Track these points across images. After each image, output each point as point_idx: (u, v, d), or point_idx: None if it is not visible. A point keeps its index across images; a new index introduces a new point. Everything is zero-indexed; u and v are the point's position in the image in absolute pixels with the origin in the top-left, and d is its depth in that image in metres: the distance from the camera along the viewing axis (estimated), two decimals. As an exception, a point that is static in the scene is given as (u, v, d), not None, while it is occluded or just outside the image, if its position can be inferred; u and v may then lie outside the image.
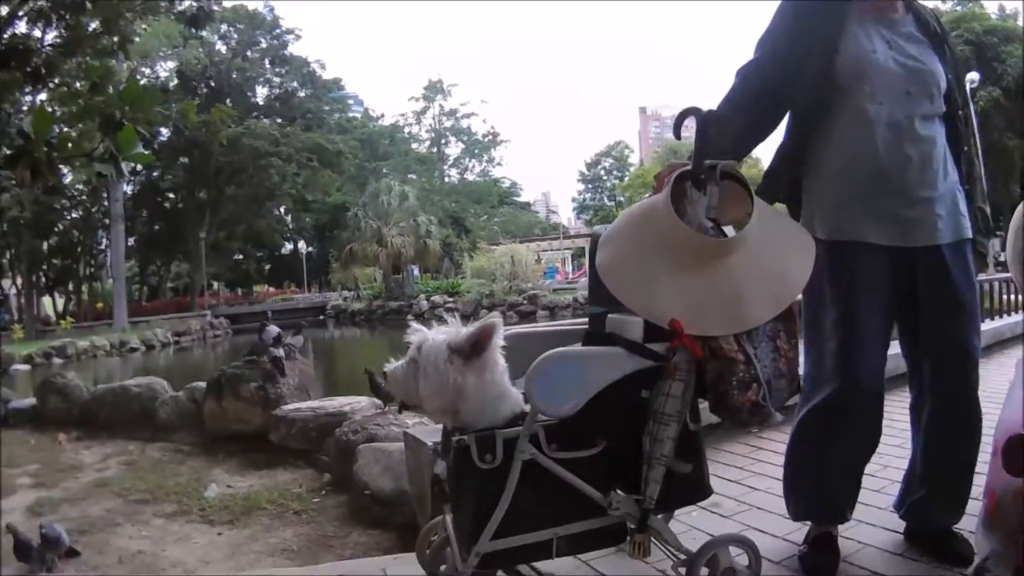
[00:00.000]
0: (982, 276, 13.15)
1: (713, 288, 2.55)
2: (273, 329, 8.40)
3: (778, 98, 3.14)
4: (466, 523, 2.58)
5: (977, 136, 3.22)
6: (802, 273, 2.73)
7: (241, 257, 74.59)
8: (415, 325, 2.75)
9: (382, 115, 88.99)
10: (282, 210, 72.92)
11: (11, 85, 10.62)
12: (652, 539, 2.61)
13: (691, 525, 3.62)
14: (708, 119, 2.67)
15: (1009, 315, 11.53)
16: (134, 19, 12.66)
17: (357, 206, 56.88)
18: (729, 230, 2.72)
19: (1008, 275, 10.19)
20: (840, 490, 3.19)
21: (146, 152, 9.26)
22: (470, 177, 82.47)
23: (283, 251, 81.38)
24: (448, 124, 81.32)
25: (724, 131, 2.99)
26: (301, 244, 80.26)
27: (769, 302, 2.62)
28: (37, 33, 11.89)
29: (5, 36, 11.42)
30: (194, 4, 14.92)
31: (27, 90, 13.79)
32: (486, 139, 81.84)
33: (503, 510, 2.45)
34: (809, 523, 3.31)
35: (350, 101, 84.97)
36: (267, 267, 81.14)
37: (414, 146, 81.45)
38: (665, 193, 2.62)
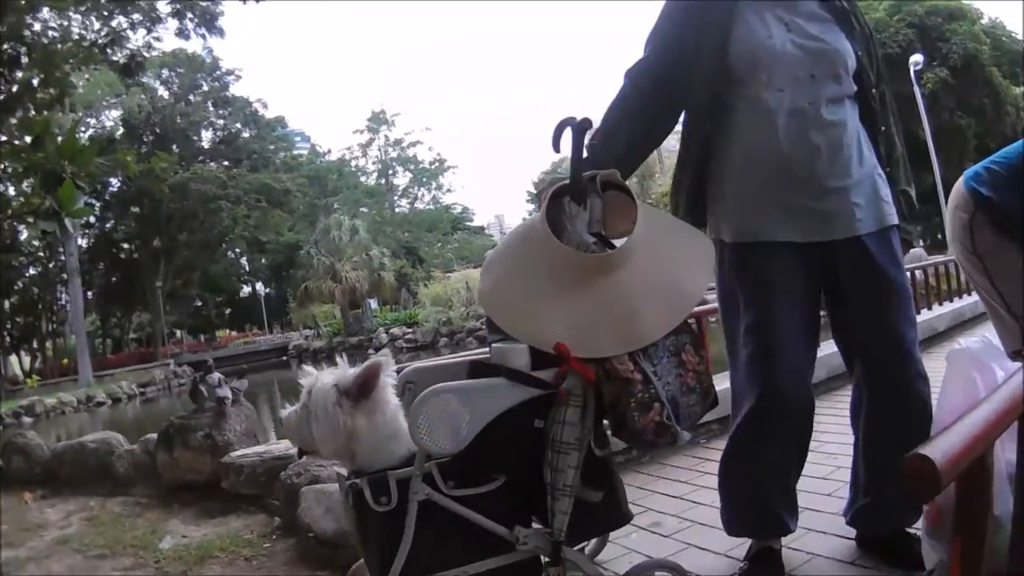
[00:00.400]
0: (926, 260, 13.29)
1: (600, 306, 2.41)
2: (215, 376, 8.38)
3: (670, 99, 2.98)
4: (373, 567, 2.51)
5: (896, 114, 3.00)
6: (698, 282, 2.61)
7: (200, 303, 74.54)
8: (306, 368, 2.69)
9: (329, 150, 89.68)
10: (237, 253, 72.91)
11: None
12: (569, 571, 2.50)
13: (629, 548, 3.56)
14: (582, 128, 2.54)
15: (952, 301, 11.54)
16: (71, 71, 12.56)
17: (309, 244, 56.74)
18: (621, 243, 2.57)
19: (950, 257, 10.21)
20: (776, 502, 3.02)
21: (87, 206, 9.24)
22: (420, 206, 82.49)
23: (242, 294, 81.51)
24: (394, 154, 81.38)
25: (613, 139, 2.89)
26: (259, 286, 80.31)
27: (663, 316, 2.48)
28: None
29: None
30: (126, 53, 14.87)
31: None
32: (433, 166, 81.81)
33: (405, 552, 2.35)
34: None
35: (297, 138, 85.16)
36: (227, 311, 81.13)
37: (362, 179, 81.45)
38: (541, 211, 2.52)
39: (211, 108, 64.67)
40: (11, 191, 16.28)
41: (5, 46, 11.25)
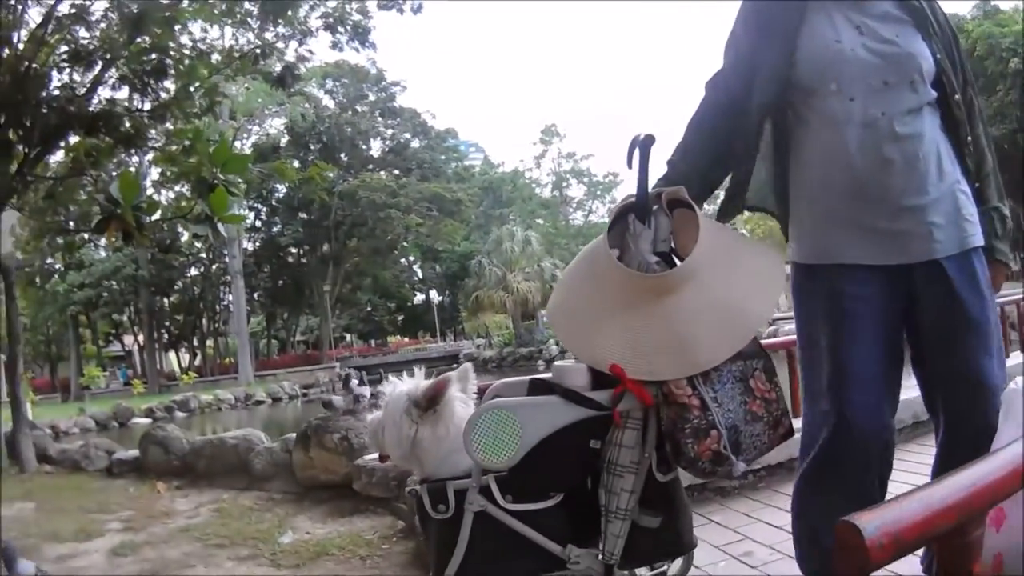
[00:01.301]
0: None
1: (660, 328, 2.36)
2: (354, 373, 8.66)
3: (747, 112, 2.83)
4: (432, 570, 2.53)
5: (986, 124, 2.72)
6: (764, 305, 2.51)
7: (371, 309, 75.81)
8: (391, 378, 2.74)
9: (503, 162, 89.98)
10: (410, 260, 74.02)
11: (103, 151, 10.94)
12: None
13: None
14: (647, 144, 2.50)
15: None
16: (223, 81, 12.96)
17: (481, 254, 57.22)
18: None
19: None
20: None
21: (238, 214, 9.45)
22: (594, 219, 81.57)
23: (414, 301, 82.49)
24: (568, 166, 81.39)
25: (690, 155, 2.83)
26: (433, 293, 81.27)
27: (723, 340, 2.39)
28: (123, 98, 12.25)
29: (92, 103, 11.77)
30: (280, 63, 15.22)
31: (129, 154, 14.27)
32: (607, 179, 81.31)
33: (459, 559, 2.38)
34: None
35: (471, 148, 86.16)
36: (399, 317, 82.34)
37: (537, 190, 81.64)
38: (606, 229, 2.50)
39: (379, 118, 65.52)
40: (167, 195, 16.90)
41: (152, 56, 11.64)
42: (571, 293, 2.65)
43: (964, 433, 2.68)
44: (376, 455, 7.01)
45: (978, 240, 2.72)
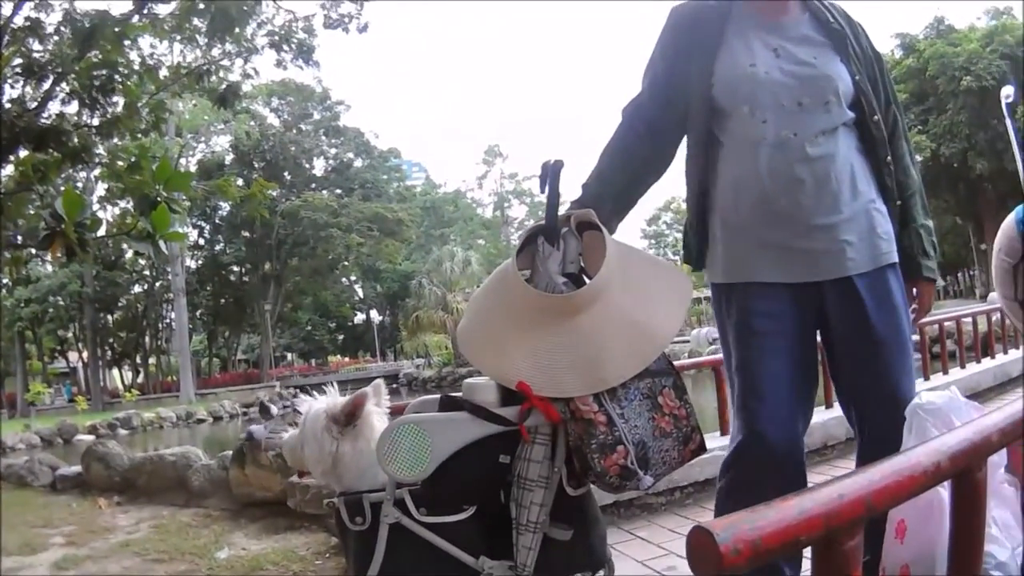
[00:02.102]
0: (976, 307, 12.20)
1: (566, 346, 2.42)
2: (274, 408, 8.77)
3: (663, 136, 2.91)
4: None
5: (910, 143, 2.76)
6: (671, 323, 2.56)
7: (311, 328, 75.48)
8: (302, 396, 2.78)
9: (444, 182, 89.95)
10: (351, 280, 73.71)
11: (51, 166, 10.88)
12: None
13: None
14: (556, 170, 2.56)
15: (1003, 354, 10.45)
16: (169, 98, 12.93)
17: (422, 274, 57.11)
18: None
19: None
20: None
21: (179, 232, 9.41)
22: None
23: (355, 321, 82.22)
24: (510, 187, 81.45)
25: (605, 178, 2.88)
26: (373, 313, 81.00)
27: (631, 357, 2.44)
28: (72, 112, 12.18)
29: (42, 117, 11.71)
30: (224, 82, 15.17)
31: (77, 169, 14.15)
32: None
33: (375, 572, 2.43)
34: None
35: (414, 168, 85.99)
36: (340, 337, 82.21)
37: (478, 211, 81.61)
38: (514, 251, 2.57)
39: (323, 137, 65.59)
40: (113, 212, 16.74)
41: (102, 72, 11.60)
42: (480, 314, 2.71)
43: (880, 449, 2.55)
44: (307, 476, 7.09)
45: (892, 257, 2.78)
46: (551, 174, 2.58)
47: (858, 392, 2.82)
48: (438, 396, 2.77)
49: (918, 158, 2.93)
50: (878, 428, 2.74)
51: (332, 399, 2.68)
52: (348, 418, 2.59)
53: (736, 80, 2.75)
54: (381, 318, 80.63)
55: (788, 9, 2.85)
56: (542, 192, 2.63)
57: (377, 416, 2.67)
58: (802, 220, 2.69)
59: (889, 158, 2.82)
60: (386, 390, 2.77)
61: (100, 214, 11.04)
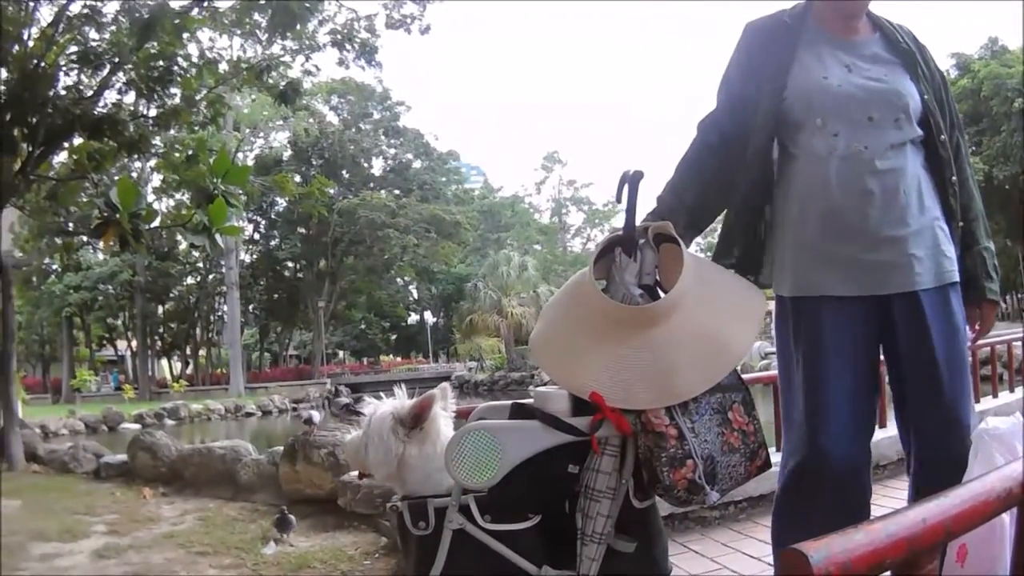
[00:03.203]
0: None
1: (640, 359, 2.41)
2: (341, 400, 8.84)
3: (738, 152, 2.90)
4: None
5: (971, 167, 2.78)
6: (744, 338, 2.55)
7: (365, 327, 75.62)
8: (367, 398, 2.77)
9: (503, 186, 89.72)
10: (405, 280, 73.83)
11: (106, 155, 10.98)
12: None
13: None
14: (635, 180, 2.55)
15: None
16: (228, 92, 13.01)
17: (477, 277, 57.08)
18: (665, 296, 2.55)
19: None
20: None
21: (235, 226, 9.46)
22: (592, 247, 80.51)
23: (408, 321, 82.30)
24: (568, 194, 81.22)
25: (679, 192, 2.88)
26: (427, 314, 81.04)
27: (703, 371, 2.43)
28: (129, 103, 12.27)
29: (98, 106, 11.81)
30: (285, 79, 15.22)
31: (132, 159, 14.26)
32: (607, 208, 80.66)
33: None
34: None
35: (472, 171, 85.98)
36: (393, 337, 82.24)
37: (535, 216, 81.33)
38: (591, 261, 2.56)
39: (382, 137, 65.51)
40: (168, 203, 16.87)
41: (160, 63, 11.68)
42: (554, 322, 2.70)
43: (934, 467, 2.70)
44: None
45: (955, 276, 2.77)
46: (630, 184, 2.56)
47: (916, 410, 2.79)
48: (506, 403, 2.77)
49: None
50: (933, 448, 2.74)
51: (398, 401, 2.67)
52: (415, 421, 2.59)
53: (810, 92, 2.78)
54: (435, 320, 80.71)
55: (859, 29, 2.90)
56: (618, 202, 2.61)
57: (444, 420, 2.67)
58: (871, 232, 2.69)
59: (955, 178, 2.83)
60: (452, 393, 2.75)
61: (155, 205, 11.10)
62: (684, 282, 2.45)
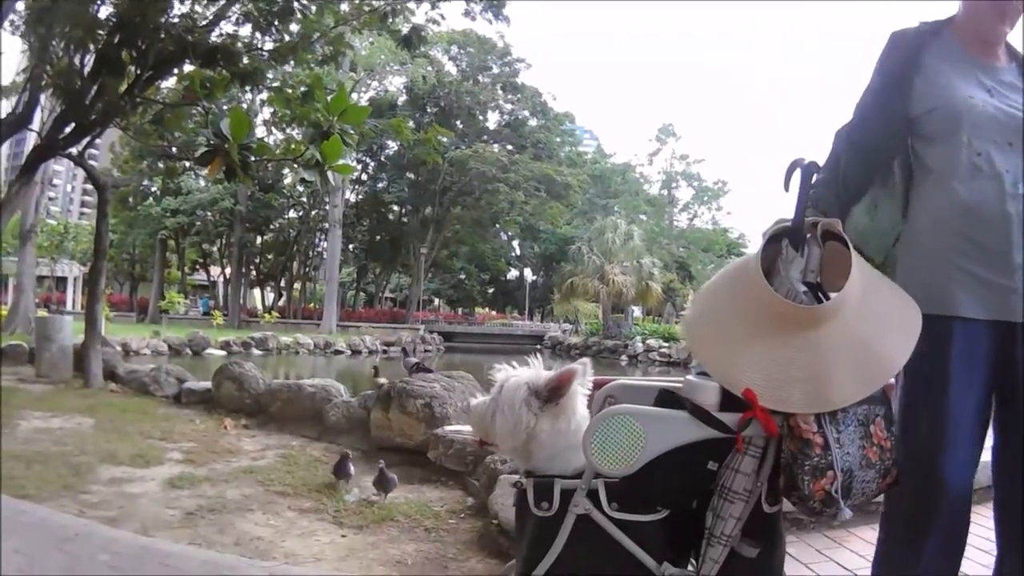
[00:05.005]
0: None
1: (798, 360, 2.31)
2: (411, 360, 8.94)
3: (873, 158, 2.88)
4: (520, 567, 2.52)
5: None
6: (900, 353, 2.43)
7: (464, 277, 76.08)
8: (499, 365, 2.69)
9: (615, 153, 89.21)
10: (509, 236, 74.07)
11: (218, 84, 11.01)
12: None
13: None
14: (810, 171, 2.49)
15: None
16: (343, 33, 12.99)
17: (582, 240, 56.93)
18: (832, 298, 2.45)
19: None
20: None
21: (348, 164, 9.47)
22: (699, 223, 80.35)
23: (508, 276, 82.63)
24: (679, 168, 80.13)
25: (829, 196, 2.85)
26: (527, 272, 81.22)
27: (858, 382, 2.34)
28: (245, 35, 12.31)
29: (212, 35, 11.87)
30: (409, 24, 15.17)
31: (244, 91, 14.32)
32: (716, 186, 79.85)
33: (551, 559, 2.37)
34: None
35: (586, 135, 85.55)
36: (490, 290, 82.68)
37: (645, 187, 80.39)
38: (757, 251, 2.46)
39: (499, 92, 65.56)
40: (276, 137, 16.93)
41: (280, -1, 11.69)
42: (713, 309, 2.61)
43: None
44: (455, 431, 7.03)
45: None
46: (803, 174, 2.50)
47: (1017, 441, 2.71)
48: (645, 382, 2.73)
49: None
50: None
51: (535, 371, 2.59)
52: (552, 394, 2.50)
53: (957, 109, 2.74)
54: (534, 278, 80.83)
55: (999, 55, 2.89)
56: (786, 190, 2.54)
57: (581, 397, 2.58)
58: (1006, 256, 2.64)
59: None
60: (592, 370, 2.64)
61: (264, 140, 11.14)
62: (851, 285, 2.36)
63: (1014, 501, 2.75)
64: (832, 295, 2.47)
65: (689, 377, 2.55)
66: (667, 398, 2.54)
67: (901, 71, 2.84)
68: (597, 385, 2.74)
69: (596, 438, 2.30)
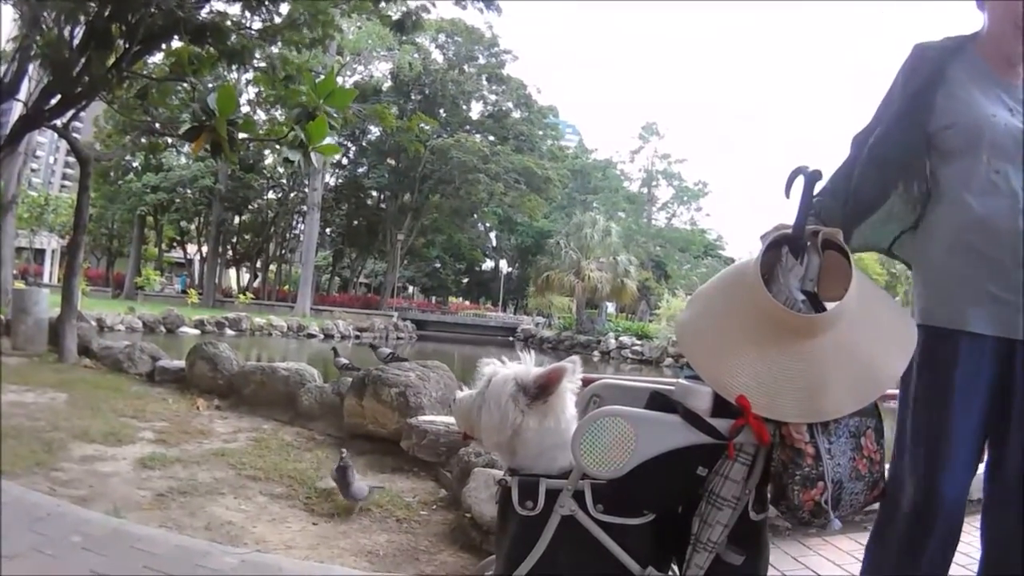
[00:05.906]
0: None
1: (793, 369, 2.30)
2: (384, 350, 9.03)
3: (888, 170, 2.84)
4: (500, 566, 2.51)
5: None
6: (895, 367, 2.44)
7: (440, 266, 76.16)
8: (486, 359, 2.66)
9: (596, 149, 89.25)
10: (486, 227, 74.08)
11: (205, 61, 10.96)
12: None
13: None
14: (813, 179, 2.47)
15: None
16: (333, 17, 12.95)
17: (560, 235, 56.96)
18: (831, 308, 2.44)
19: None
20: None
21: (334, 144, 9.44)
22: (677, 223, 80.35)
23: (483, 267, 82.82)
24: (660, 167, 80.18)
25: (836, 201, 2.83)
26: (503, 263, 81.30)
27: (852, 394, 2.33)
28: (235, 14, 12.27)
29: (202, 13, 11.80)
30: (401, 9, 15.14)
31: (230, 69, 14.26)
32: (696, 187, 79.71)
33: (534, 560, 2.35)
34: None
35: (568, 130, 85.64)
36: (465, 280, 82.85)
37: (625, 184, 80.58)
38: (756, 257, 2.44)
39: (484, 82, 65.77)
40: (260, 117, 16.80)
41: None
42: (707, 312, 2.59)
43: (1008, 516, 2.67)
44: (428, 421, 7.00)
45: None
46: (806, 181, 2.48)
47: (1013, 459, 2.67)
48: (635, 382, 2.74)
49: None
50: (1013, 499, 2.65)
51: (523, 367, 2.56)
52: (540, 392, 2.48)
53: (978, 126, 2.73)
54: (510, 270, 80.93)
55: (1019, 74, 2.86)
56: (787, 197, 2.53)
57: (569, 396, 2.55)
58: (1018, 274, 2.63)
59: None
60: (581, 369, 2.61)
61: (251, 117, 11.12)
62: (850, 296, 2.36)
63: (1004, 511, 2.73)
64: (828, 305, 2.46)
65: (681, 380, 2.55)
66: (657, 401, 2.52)
67: (926, 86, 2.82)
68: (587, 382, 2.73)
69: (585, 439, 2.28)
